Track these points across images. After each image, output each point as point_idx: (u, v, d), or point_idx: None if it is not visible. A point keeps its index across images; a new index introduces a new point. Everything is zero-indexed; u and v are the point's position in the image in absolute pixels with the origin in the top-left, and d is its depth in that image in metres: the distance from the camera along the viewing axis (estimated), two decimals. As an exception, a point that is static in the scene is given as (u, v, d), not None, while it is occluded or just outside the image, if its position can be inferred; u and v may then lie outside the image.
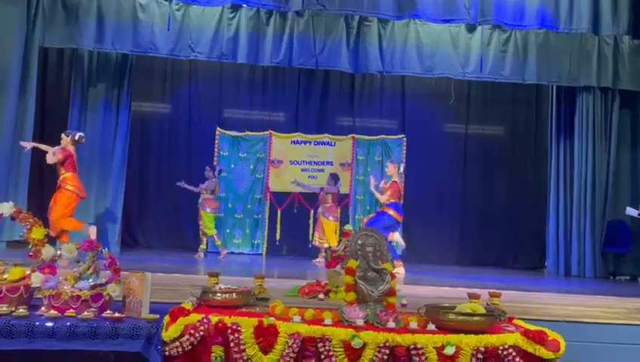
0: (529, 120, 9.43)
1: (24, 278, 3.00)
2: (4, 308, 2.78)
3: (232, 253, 8.79)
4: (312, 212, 8.84)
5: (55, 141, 7.01)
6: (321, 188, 8.41)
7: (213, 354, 2.78)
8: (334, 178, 8.36)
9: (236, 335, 2.77)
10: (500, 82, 8.32)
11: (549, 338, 2.88)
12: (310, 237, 8.64)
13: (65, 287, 2.88)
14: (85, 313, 2.78)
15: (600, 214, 8.07)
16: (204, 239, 7.94)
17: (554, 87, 8.51)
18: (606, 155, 8.20)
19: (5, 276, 3.01)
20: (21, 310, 2.79)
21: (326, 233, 8.05)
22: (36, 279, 2.92)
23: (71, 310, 2.81)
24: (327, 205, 8.21)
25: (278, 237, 8.91)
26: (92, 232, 6.43)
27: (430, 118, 9.35)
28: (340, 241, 4.51)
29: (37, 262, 3.04)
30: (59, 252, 3.06)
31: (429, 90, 8.86)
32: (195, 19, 7.70)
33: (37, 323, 2.71)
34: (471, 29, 7.95)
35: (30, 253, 3.09)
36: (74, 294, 2.84)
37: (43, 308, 2.86)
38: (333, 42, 7.88)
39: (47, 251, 3.03)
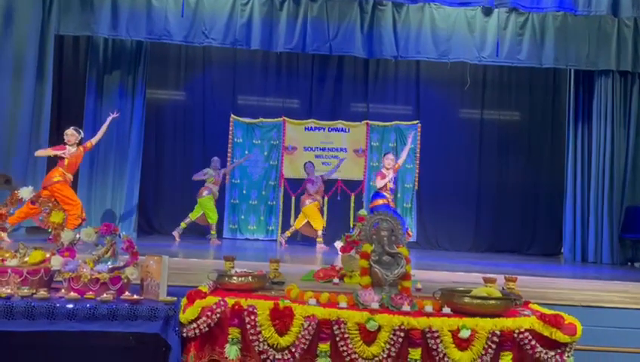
0: (546, 104, 9.30)
1: (44, 261, 3.06)
2: (25, 291, 2.83)
3: (247, 239, 8.87)
4: (326, 198, 8.85)
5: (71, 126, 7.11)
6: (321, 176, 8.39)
7: (229, 336, 2.81)
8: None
9: (252, 318, 2.79)
10: (517, 66, 8.22)
11: (566, 322, 2.86)
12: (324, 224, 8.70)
13: (84, 270, 2.92)
14: (104, 295, 2.83)
15: (618, 200, 7.96)
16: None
17: (572, 71, 8.38)
18: (625, 140, 8.07)
19: (26, 259, 3.07)
20: (42, 292, 2.84)
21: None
22: (56, 262, 2.97)
23: (90, 292, 2.85)
24: None
25: (292, 223, 8.92)
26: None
27: (445, 104, 9.27)
28: (354, 226, 4.53)
29: (56, 246, 3.09)
30: (78, 235, 3.11)
31: (444, 75, 8.78)
32: (209, 5, 7.70)
33: (57, 305, 2.75)
34: (487, 12, 7.84)
35: (50, 237, 3.14)
36: (93, 277, 2.88)
37: (63, 291, 2.91)
38: (347, 27, 7.83)
39: (67, 234, 3.08)
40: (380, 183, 7.01)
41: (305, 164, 8.45)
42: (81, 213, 6.36)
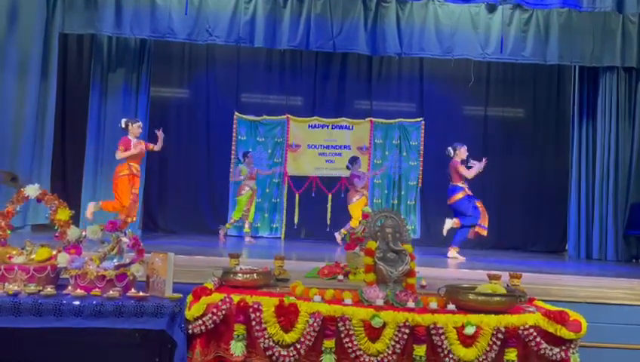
0: (550, 101, 9.28)
1: (51, 258, 3.08)
2: (32, 288, 2.85)
3: (252, 236, 8.87)
4: (329, 196, 8.85)
5: (76, 125, 7.13)
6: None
7: (235, 332, 2.82)
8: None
9: (258, 314, 2.81)
10: (521, 63, 8.19)
11: (571, 319, 2.86)
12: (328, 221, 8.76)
13: (90, 267, 2.94)
14: (110, 292, 2.84)
15: (623, 197, 7.94)
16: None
17: (576, 68, 8.35)
18: (629, 137, 8.04)
19: (33, 256, 3.09)
20: (49, 289, 2.86)
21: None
22: (62, 259, 2.99)
23: (96, 289, 2.87)
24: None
25: (296, 221, 8.95)
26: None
27: (449, 101, 9.25)
28: (359, 223, 4.53)
29: (63, 243, 3.11)
30: (84, 233, 3.12)
31: (448, 72, 8.76)
32: (212, 3, 7.70)
33: (64, 302, 2.77)
34: (491, 8, 7.82)
35: (56, 234, 3.15)
36: (99, 274, 2.90)
37: (69, 288, 2.93)
38: (351, 24, 7.82)
39: (73, 232, 3.09)
40: (471, 174, 6.86)
41: (354, 159, 8.17)
42: (124, 212, 6.49)
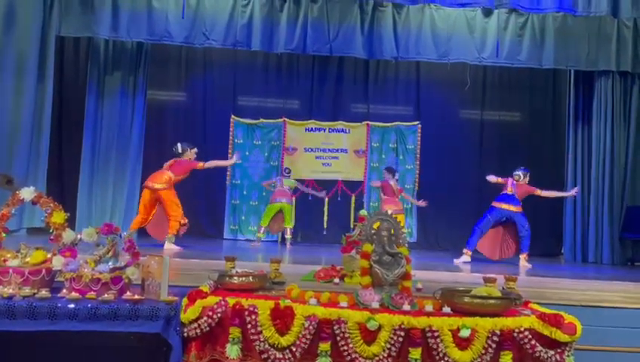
0: (546, 105, 9.32)
1: (46, 261, 3.06)
2: (27, 291, 2.84)
3: (248, 240, 8.87)
4: (326, 199, 8.84)
5: (73, 128, 7.09)
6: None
7: (230, 336, 2.82)
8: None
9: (253, 317, 2.80)
10: (517, 67, 8.22)
11: (566, 322, 2.87)
12: (325, 225, 8.75)
13: (85, 270, 2.93)
14: (105, 295, 2.83)
15: (618, 200, 7.98)
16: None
17: (572, 72, 8.40)
18: (625, 140, 8.09)
19: (27, 259, 3.07)
20: (43, 292, 2.85)
21: None
22: (57, 262, 2.97)
23: (91, 292, 2.86)
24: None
25: (292, 224, 8.92)
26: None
27: (445, 104, 9.28)
28: (355, 226, 4.54)
29: (58, 246, 3.10)
30: (79, 236, 3.11)
31: (444, 75, 8.78)
32: (209, 6, 7.71)
33: (59, 305, 2.76)
34: (487, 13, 7.86)
35: (51, 237, 3.14)
36: (94, 277, 2.89)
37: (64, 291, 2.92)
38: (348, 28, 7.84)
39: (68, 235, 3.09)
40: (547, 193, 7.36)
41: (391, 169, 8.25)
42: (182, 218, 6.65)
